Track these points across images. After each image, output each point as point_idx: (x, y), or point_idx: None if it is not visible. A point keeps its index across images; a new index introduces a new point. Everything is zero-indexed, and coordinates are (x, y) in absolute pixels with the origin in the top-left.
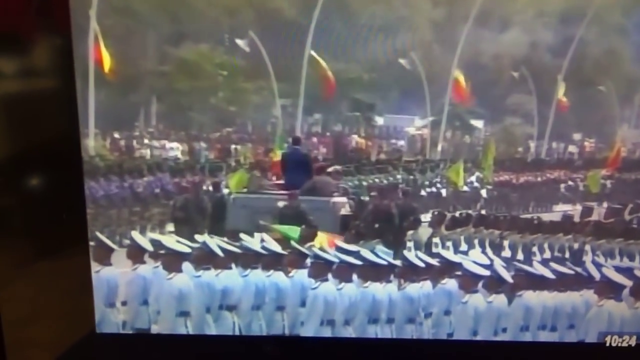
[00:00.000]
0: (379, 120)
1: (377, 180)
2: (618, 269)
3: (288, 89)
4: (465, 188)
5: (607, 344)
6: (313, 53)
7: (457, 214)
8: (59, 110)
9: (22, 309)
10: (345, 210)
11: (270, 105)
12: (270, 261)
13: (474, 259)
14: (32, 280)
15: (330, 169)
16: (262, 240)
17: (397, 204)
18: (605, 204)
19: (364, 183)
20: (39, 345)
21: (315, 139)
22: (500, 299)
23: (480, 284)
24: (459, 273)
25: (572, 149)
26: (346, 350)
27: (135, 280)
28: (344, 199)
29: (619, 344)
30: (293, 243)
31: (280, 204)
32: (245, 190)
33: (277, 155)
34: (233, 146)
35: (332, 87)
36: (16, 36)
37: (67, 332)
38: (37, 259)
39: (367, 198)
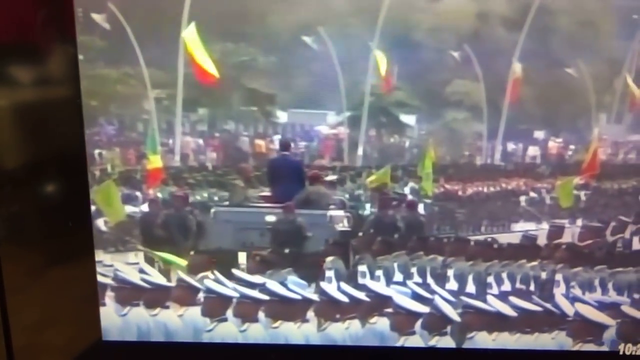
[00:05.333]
0: (282, 117)
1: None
2: (600, 305)
3: (163, 77)
4: None
5: (621, 353)
6: (184, 34)
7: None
8: (65, 120)
9: (30, 316)
10: (342, 226)
11: (140, 98)
12: (155, 296)
13: (409, 292)
14: (41, 288)
15: (327, 178)
16: (142, 271)
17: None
18: (579, 222)
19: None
20: (47, 352)
21: (201, 141)
22: (445, 342)
23: (418, 324)
24: (390, 310)
25: (533, 151)
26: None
27: None
28: (341, 213)
29: (633, 353)
30: (180, 273)
31: (270, 218)
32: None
33: (152, 162)
34: (97, 151)
35: (205, 73)
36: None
37: (75, 339)
38: (46, 267)
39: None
